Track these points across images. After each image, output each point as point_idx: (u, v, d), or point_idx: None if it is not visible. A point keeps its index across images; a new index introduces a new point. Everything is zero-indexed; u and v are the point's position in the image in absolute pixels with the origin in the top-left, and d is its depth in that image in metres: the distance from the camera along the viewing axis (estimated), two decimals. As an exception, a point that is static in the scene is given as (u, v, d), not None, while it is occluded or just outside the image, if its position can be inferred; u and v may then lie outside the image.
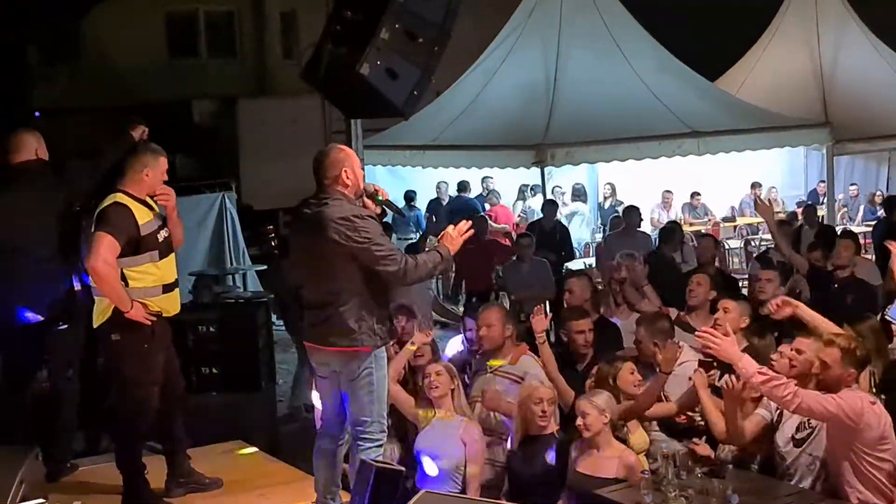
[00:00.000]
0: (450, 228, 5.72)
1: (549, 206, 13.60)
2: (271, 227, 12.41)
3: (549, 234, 12.60)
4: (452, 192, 16.83)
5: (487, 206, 17.06)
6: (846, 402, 5.35)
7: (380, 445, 5.54)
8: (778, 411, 5.82)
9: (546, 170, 12.91)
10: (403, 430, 6.55)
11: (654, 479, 5.60)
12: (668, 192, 17.38)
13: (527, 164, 12.16)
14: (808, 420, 5.69)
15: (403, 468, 5.61)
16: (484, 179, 17.41)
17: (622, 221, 13.06)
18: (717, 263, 11.26)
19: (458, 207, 16.43)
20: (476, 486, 6.19)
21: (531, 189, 16.57)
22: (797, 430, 5.78)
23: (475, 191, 17.01)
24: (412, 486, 6.00)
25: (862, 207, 18.38)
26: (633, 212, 13.18)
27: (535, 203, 15.71)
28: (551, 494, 5.93)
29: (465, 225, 5.68)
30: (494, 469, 6.43)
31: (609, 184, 17.56)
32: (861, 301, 8.69)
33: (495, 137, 12.49)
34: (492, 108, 13.11)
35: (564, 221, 16.77)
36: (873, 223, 16.99)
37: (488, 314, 6.88)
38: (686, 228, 15.51)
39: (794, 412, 5.47)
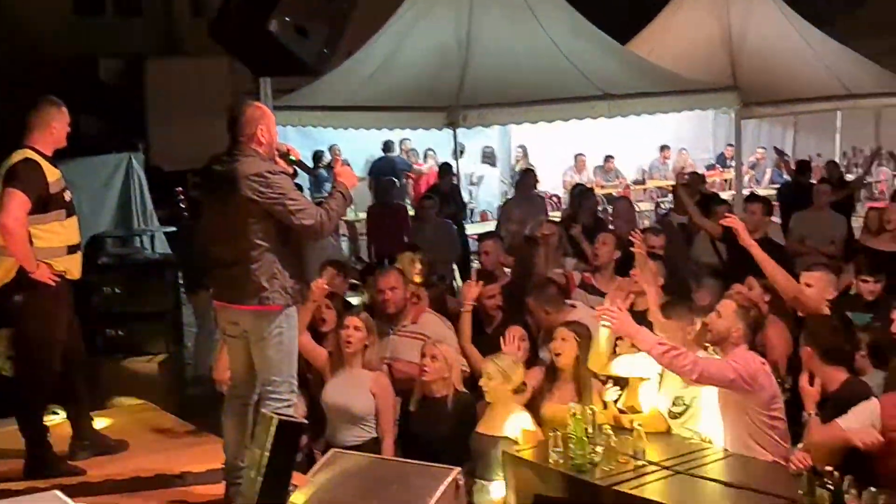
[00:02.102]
0: (338, 164, 5.71)
1: (445, 168, 13.62)
2: (180, 188, 12.23)
3: (447, 197, 12.61)
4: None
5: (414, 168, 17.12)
6: (742, 365, 5.45)
7: (289, 405, 5.49)
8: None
9: (459, 131, 12.87)
10: (308, 384, 6.50)
11: (563, 437, 5.65)
12: (580, 155, 17.55)
13: (439, 125, 12.08)
14: (682, 397, 5.84)
15: (306, 420, 5.57)
16: (402, 141, 17.40)
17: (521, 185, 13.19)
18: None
19: (382, 167, 16.45)
20: (390, 441, 6.19)
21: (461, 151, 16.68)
22: (673, 404, 5.93)
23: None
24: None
25: (769, 170, 18.76)
26: (527, 175, 13.27)
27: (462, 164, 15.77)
28: (450, 456, 5.92)
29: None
30: None
31: (521, 146, 17.66)
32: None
33: (408, 98, 12.39)
34: (404, 69, 13.01)
35: (475, 184, 16.89)
36: (779, 186, 17.37)
37: (388, 278, 6.90)
38: (598, 191, 15.69)
39: (696, 382, 5.55)
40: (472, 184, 17.03)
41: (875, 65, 14.96)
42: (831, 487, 4.58)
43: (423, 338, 6.54)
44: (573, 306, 7.20)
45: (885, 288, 7.18)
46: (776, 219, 12.49)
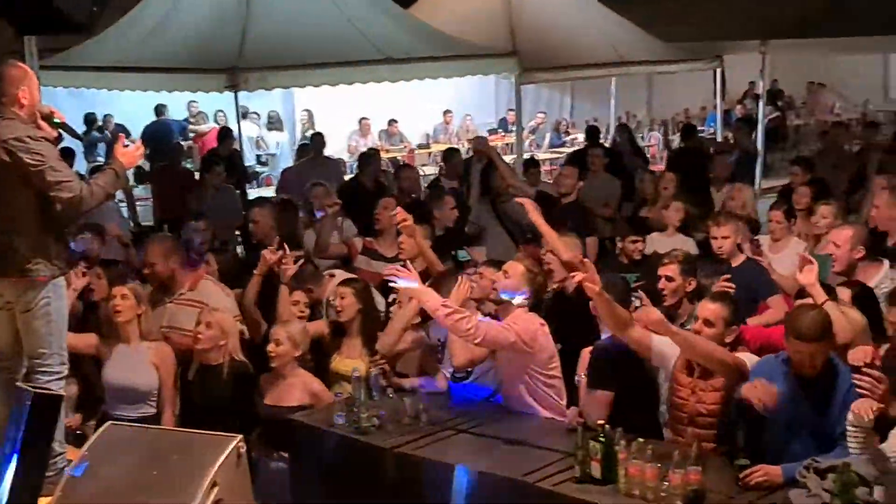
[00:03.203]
0: (119, 143, 5.48)
1: (224, 132, 13.37)
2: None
3: (228, 160, 12.39)
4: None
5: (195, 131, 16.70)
6: (522, 327, 5.59)
7: (61, 378, 5.27)
8: None
9: (245, 94, 12.60)
10: (80, 362, 6.27)
11: (346, 401, 5.67)
12: (364, 119, 17.54)
13: (219, 88, 11.73)
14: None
15: (63, 393, 5.34)
16: (189, 103, 16.93)
17: (310, 149, 13.09)
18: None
19: (156, 131, 15.94)
20: (171, 412, 6.05)
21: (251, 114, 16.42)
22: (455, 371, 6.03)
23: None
24: None
25: (548, 134, 19.27)
26: (318, 138, 13.19)
27: (244, 128, 15.46)
28: (231, 424, 5.82)
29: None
30: None
31: (306, 110, 17.50)
32: (578, 223, 9.07)
33: (186, 60, 11.98)
34: (182, 28, 12.55)
35: (269, 149, 16.64)
36: (559, 148, 17.91)
37: (153, 250, 6.71)
38: (383, 155, 15.72)
39: (479, 345, 5.63)
40: (260, 148, 16.78)
41: (646, 33, 15.49)
42: (602, 440, 4.77)
43: (200, 305, 6.39)
44: (332, 275, 7.25)
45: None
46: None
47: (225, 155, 12.59)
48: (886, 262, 6.57)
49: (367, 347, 6.26)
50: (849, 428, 4.47)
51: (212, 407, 5.89)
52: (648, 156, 18.86)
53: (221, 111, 16.51)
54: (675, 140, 17.84)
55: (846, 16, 14.29)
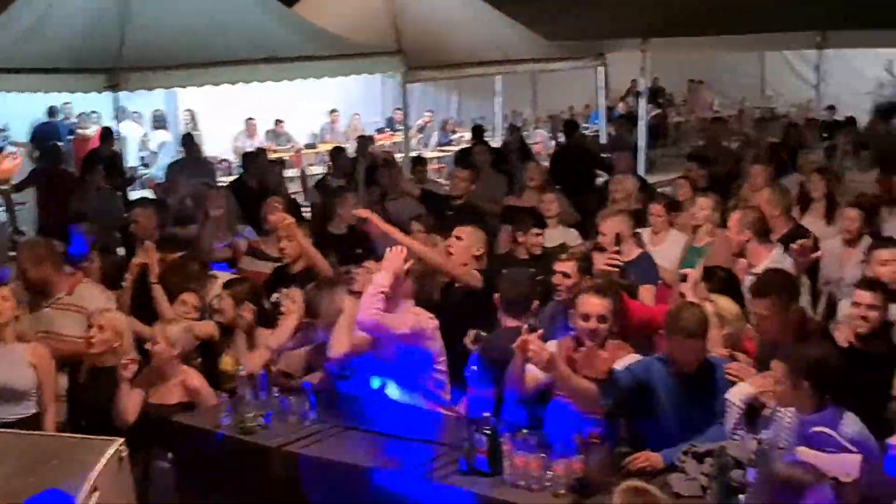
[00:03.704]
0: None
1: (105, 133, 13.14)
2: None
3: (108, 161, 12.19)
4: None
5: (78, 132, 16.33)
6: (414, 321, 5.65)
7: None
8: None
9: (127, 94, 12.37)
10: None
11: (233, 401, 5.63)
12: (251, 119, 17.37)
13: (99, 88, 11.51)
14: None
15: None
16: (63, 105, 16.56)
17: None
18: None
19: (44, 133, 15.57)
20: (52, 415, 5.90)
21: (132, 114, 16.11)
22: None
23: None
24: None
25: (436, 133, 19.34)
26: (188, 140, 13.03)
27: (126, 128, 15.18)
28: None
29: None
30: None
31: (189, 110, 17.24)
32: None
33: (64, 60, 11.73)
34: (60, 28, 12.26)
35: (153, 150, 16.34)
36: (446, 146, 17.99)
37: (23, 255, 6.58)
38: (269, 155, 15.60)
39: (370, 329, 5.65)
40: (145, 149, 16.48)
41: (530, 31, 15.67)
42: (488, 432, 4.82)
43: (79, 309, 6.28)
44: (215, 276, 7.21)
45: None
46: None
47: (106, 156, 12.34)
48: (779, 247, 6.74)
49: (250, 347, 6.21)
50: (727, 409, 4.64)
51: (103, 410, 5.79)
52: (534, 153, 19.12)
53: (96, 112, 16.18)
54: (562, 137, 18.06)
55: (724, 15, 14.68)
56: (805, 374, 4.40)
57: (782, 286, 5.45)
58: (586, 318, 5.20)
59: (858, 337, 5.36)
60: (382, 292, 5.56)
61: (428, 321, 5.75)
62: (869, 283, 5.57)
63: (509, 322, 5.67)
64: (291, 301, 6.35)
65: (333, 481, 5.16)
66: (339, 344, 5.81)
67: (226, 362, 6.24)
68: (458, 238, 6.83)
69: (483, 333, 5.99)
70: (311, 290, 6.38)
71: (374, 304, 5.52)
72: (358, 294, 5.90)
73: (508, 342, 5.40)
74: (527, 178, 10.06)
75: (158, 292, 6.51)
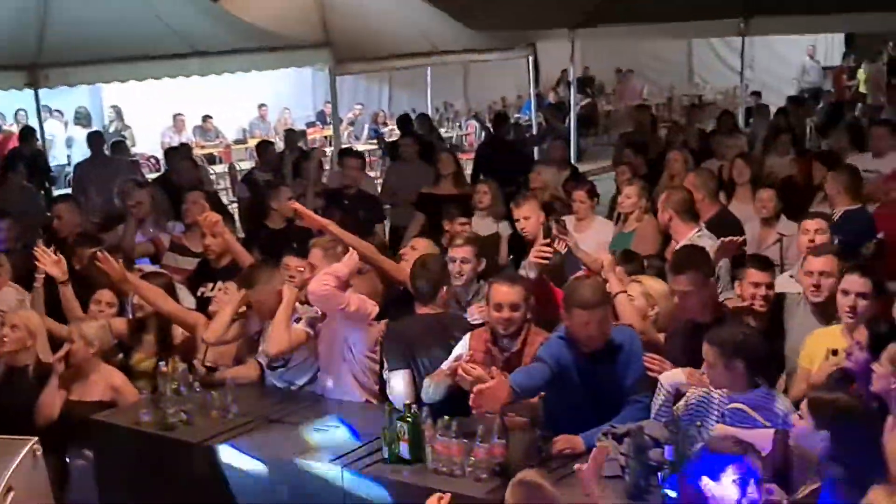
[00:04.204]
0: None
1: (26, 132, 12.92)
2: None
3: (30, 160, 11.99)
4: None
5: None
6: (361, 302, 5.65)
7: None
8: None
9: (47, 92, 12.15)
10: None
11: (152, 398, 5.57)
12: (179, 115, 17.22)
13: (19, 85, 11.30)
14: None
15: None
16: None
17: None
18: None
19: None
20: None
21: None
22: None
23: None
24: None
25: (366, 126, 19.31)
26: (95, 137, 12.83)
27: (50, 127, 14.91)
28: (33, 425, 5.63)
29: None
30: None
31: (114, 107, 17.04)
32: (369, 213, 9.42)
33: (-18, 57, 11.51)
34: (-25, 23, 12.05)
35: (70, 147, 16.10)
36: (375, 141, 17.95)
37: None
38: (198, 151, 15.47)
39: (318, 301, 5.68)
40: (69, 147, 16.23)
41: (459, 23, 15.68)
42: (409, 419, 4.82)
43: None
44: (140, 269, 7.14)
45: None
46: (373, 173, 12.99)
47: (28, 155, 12.13)
48: (700, 225, 6.84)
49: (160, 344, 6.20)
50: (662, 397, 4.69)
51: (17, 409, 5.68)
52: (466, 144, 19.19)
53: (23, 110, 15.90)
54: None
55: (651, 3, 14.80)
56: (738, 353, 4.45)
57: (700, 261, 5.49)
58: (499, 307, 5.15)
59: (756, 315, 5.43)
60: (337, 276, 5.55)
61: (372, 307, 5.75)
62: (762, 262, 5.67)
63: (421, 308, 5.66)
64: (224, 293, 6.29)
65: (257, 475, 5.12)
66: (279, 341, 5.78)
67: (137, 359, 6.19)
68: (414, 248, 6.82)
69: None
70: (249, 267, 6.34)
71: (327, 280, 5.53)
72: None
73: (419, 329, 5.49)
74: (440, 167, 10.15)
75: (67, 293, 6.42)
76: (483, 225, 8.46)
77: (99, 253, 6.35)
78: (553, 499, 3.71)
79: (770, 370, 4.81)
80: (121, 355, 6.35)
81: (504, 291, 5.16)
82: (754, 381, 4.51)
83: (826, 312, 5.38)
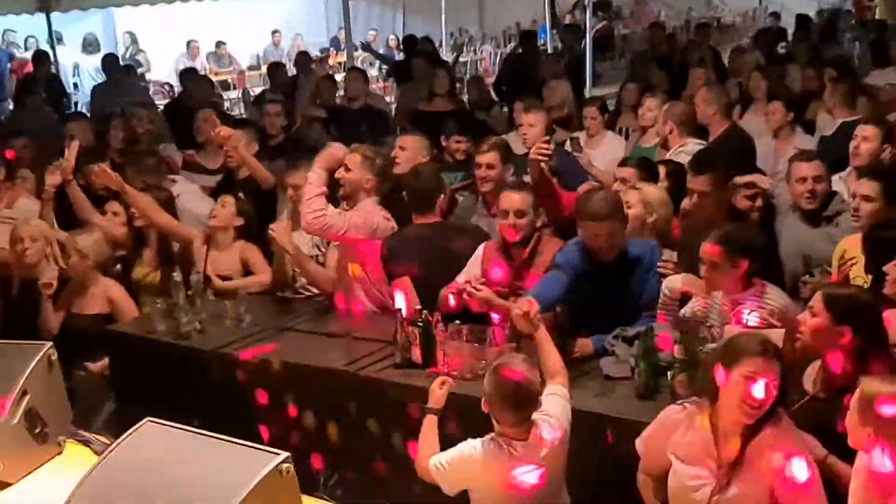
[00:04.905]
0: None
1: (40, 56, 12.85)
2: None
3: (46, 84, 11.96)
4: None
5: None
6: (362, 217, 5.58)
7: None
8: None
9: (56, 17, 12.10)
10: None
11: (166, 307, 5.60)
12: (192, 41, 17.13)
13: (31, 9, 11.28)
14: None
15: None
16: (5, 32, 16.19)
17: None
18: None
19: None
20: None
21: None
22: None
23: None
24: None
25: (381, 51, 19.12)
26: (110, 60, 12.75)
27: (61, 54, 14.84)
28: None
29: None
30: None
31: (129, 32, 16.97)
32: (375, 127, 9.41)
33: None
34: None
35: (76, 75, 16.04)
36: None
37: None
38: (211, 77, 15.37)
39: (314, 231, 5.65)
40: (75, 74, 16.16)
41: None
42: (421, 325, 4.84)
43: (14, 223, 6.21)
44: (174, 181, 7.12)
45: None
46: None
47: (43, 79, 12.08)
48: (693, 141, 6.82)
49: (160, 257, 6.23)
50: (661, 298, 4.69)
51: (34, 321, 5.76)
52: (481, 70, 19.02)
53: (32, 37, 15.82)
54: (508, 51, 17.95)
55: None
56: (744, 253, 4.42)
57: (719, 163, 5.44)
58: (505, 214, 5.15)
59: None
60: (318, 194, 5.48)
61: (380, 217, 5.64)
62: (807, 154, 5.63)
63: (418, 219, 5.62)
64: (221, 206, 6.29)
65: (270, 381, 5.16)
66: (327, 281, 5.79)
67: (139, 272, 6.23)
68: (402, 148, 6.75)
69: None
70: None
71: (313, 207, 5.41)
72: None
73: (416, 238, 5.46)
74: (435, 85, 10.11)
75: (76, 193, 6.43)
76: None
77: (96, 167, 6.31)
78: (526, 378, 3.72)
79: (773, 272, 4.77)
80: (118, 266, 6.36)
81: (509, 198, 5.16)
82: (751, 281, 4.49)
83: (815, 218, 5.40)
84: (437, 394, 4.16)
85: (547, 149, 5.56)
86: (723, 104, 7.56)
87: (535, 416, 3.77)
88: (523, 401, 3.72)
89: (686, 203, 5.48)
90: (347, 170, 5.69)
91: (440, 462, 3.87)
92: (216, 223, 6.27)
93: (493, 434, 3.80)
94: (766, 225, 5.50)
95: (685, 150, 6.66)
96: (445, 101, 10.08)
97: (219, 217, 6.26)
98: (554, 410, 3.85)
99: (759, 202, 5.52)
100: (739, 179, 5.56)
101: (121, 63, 12.85)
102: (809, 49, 11.69)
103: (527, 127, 7.09)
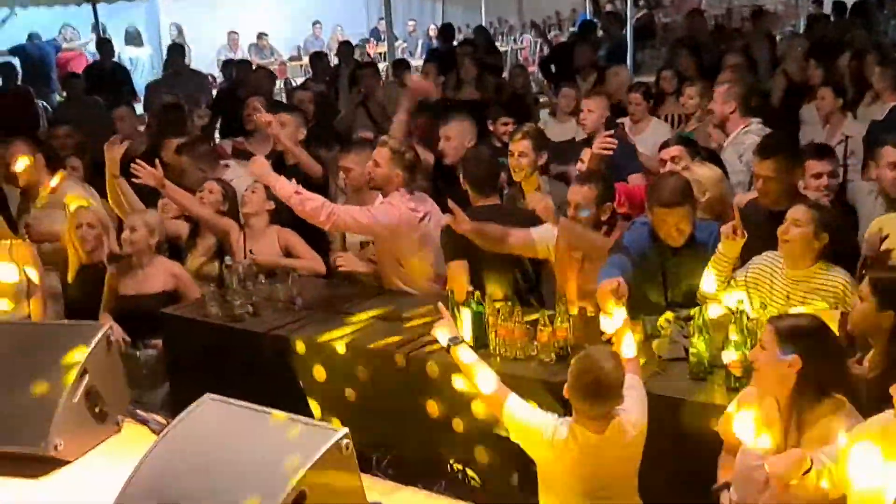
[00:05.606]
0: None
1: (106, 45, 12.97)
2: None
3: (109, 75, 12.05)
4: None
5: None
6: (383, 212, 5.59)
7: None
8: None
9: (100, 8, 12.20)
10: None
11: (219, 291, 5.66)
12: (233, 32, 17.23)
13: (77, 0, 11.39)
14: None
15: None
16: (64, 27, 16.33)
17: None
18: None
19: (31, 53, 15.38)
20: (40, 310, 5.90)
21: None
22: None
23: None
24: None
25: (420, 42, 19.18)
26: (177, 50, 12.84)
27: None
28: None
29: None
30: None
31: (174, 24, 17.10)
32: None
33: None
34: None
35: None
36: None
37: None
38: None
39: (330, 229, 5.73)
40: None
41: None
42: (472, 306, 4.86)
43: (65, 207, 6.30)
44: (227, 165, 7.18)
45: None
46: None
47: (108, 69, 12.22)
48: (756, 120, 6.70)
49: (217, 246, 6.28)
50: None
51: (95, 305, 5.84)
52: (521, 59, 18.98)
53: (70, 26, 15.90)
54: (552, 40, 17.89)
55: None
56: (826, 228, 4.41)
57: (788, 148, 5.35)
58: (568, 206, 5.16)
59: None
60: (296, 191, 5.47)
61: (404, 210, 5.63)
62: (819, 150, 5.60)
63: (477, 201, 5.65)
64: (251, 192, 6.30)
65: (323, 362, 5.21)
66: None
67: (192, 262, 6.29)
68: (448, 138, 6.75)
69: None
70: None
71: (311, 206, 5.44)
72: None
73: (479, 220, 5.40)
74: (462, 73, 10.21)
75: (123, 186, 6.48)
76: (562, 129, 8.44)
77: (132, 164, 6.32)
78: (610, 373, 3.70)
79: (848, 254, 4.74)
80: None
81: (573, 190, 5.17)
82: (821, 258, 4.47)
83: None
84: (447, 326, 4.18)
85: (611, 143, 5.55)
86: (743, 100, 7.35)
87: (616, 410, 3.73)
88: (603, 394, 3.69)
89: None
90: (377, 164, 5.72)
91: (516, 415, 3.85)
92: (247, 210, 6.28)
93: (571, 419, 3.78)
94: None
95: (751, 130, 6.57)
96: (472, 88, 10.02)
97: (249, 203, 6.27)
98: (634, 410, 3.80)
99: (827, 181, 5.43)
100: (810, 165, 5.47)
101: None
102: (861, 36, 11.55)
103: (586, 112, 7.07)
